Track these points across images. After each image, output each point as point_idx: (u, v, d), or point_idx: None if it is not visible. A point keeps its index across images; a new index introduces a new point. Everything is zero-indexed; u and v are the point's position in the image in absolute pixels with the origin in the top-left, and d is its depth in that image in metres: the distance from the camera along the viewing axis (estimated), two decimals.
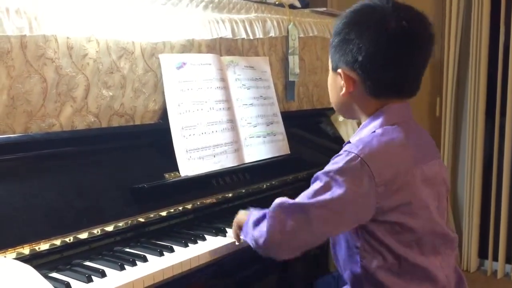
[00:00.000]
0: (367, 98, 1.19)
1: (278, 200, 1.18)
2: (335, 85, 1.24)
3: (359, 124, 1.28)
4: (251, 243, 1.24)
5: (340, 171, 1.10)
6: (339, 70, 1.20)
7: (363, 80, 1.16)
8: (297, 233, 1.13)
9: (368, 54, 1.12)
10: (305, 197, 1.14)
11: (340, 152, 1.15)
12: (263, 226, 1.17)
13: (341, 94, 1.21)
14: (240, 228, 1.34)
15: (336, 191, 1.09)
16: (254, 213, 1.26)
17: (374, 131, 1.17)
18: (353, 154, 1.10)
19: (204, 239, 1.44)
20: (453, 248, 1.24)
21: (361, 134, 1.20)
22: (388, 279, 1.15)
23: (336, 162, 1.12)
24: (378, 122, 1.18)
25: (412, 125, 1.21)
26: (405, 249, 1.14)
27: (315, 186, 1.13)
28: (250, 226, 1.24)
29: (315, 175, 1.16)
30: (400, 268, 1.15)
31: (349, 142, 1.22)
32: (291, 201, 1.15)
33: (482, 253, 3.15)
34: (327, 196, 1.10)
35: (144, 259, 1.28)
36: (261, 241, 1.17)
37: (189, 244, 1.39)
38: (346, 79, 1.19)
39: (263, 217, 1.20)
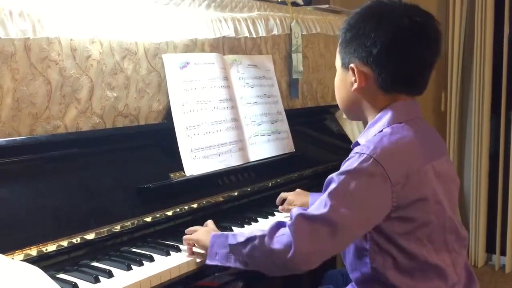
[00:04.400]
0: (377, 93, 1.19)
1: (297, 211, 1.13)
2: (344, 82, 1.24)
3: (365, 124, 1.27)
4: (243, 262, 1.19)
5: (354, 172, 1.09)
6: (352, 65, 1.19)
7: (376, 74, 1.16)
8: (324, 242, 1.09)
9: (383, 46, 1.13)
10: (323, 204, 1.10)
11: (350, 155, 1.14)
12: (284, 239, 1.11)
13: (352, 89, 1.20)
14: (198, 246, 1.31)
15: (353, 193, 1.08)
16: (228, 235, 1.24)
17: (382, 130, 1.16)
18: (365, 155, 1.09)
19: None
20: (464, 246, 1.25)
21: (368, 133, 1.20)
22: (398, 278, 1.14)
23: (349, 165, 1.11)
24: (385, 120, 1.17)
25: (419, 122, 1.21)
26: (416, 247, 1.13)
27: (331, 190, 1.10)
28: (241, 244, 1.18)
29: (328, 178, 1.14)
30: (410, 267, 1.14)
31: (356, 142, 1.22)
32: (311, 212, 1.11)
33: (490, 248, 3.14)
34: (344, 199, 1.08)
35: (151, 259, 1.29)
36: (285, 255, 1.09)
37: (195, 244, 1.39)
38: (359, 73, 1.18)
39: (276, 226, 1.16)
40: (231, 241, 1.22)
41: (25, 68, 1.34)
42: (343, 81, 1.24)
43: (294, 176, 1.93)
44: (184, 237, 1.35)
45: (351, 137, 2.41)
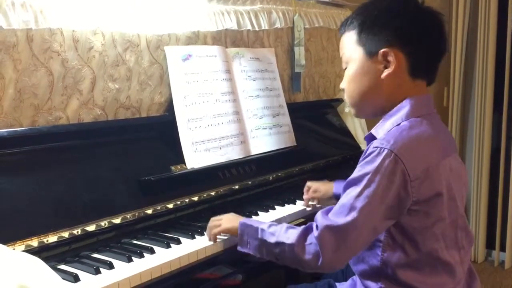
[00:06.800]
0: (405, 79, 1.18)
1: (321, 220, 1.14)
2: (367, 73, 1.20)
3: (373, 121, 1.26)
4: (275, 258, 1.24)
5: (375, 172, 1.09)
6: (383, 50, 1.17)
7: (407, 57, 1.17)
8: (351, 247, 1.13)
9: (414, 29, 1.16)
10: (347, 209, 1.11)
11: (370, 149, 1.13)
12: (312, 249, 1.14)
13: (384, 75, 1.18)
14: (226, 232, 1.36)
15: (377, 193, 1.09)
16: (256, 225, 1.27)
17: (400, 124, 1.16)
18: (386, 150, 1.09)
19: None
20: (471, 244, 1.26)
21: (384, 125, 1.19)
22: (406, 273, 1.15)
23: (370, 162, 1.10)
24: (403, 112, 1.17)
25: (435, 118, 1.22)
26: (431, 242, 1.14)
27: (354, 194, 1.11)
28: (272, 245, 1.22)
29: (350, 180, 1.14)
30: (421, 262, 1.15)
31: (370, 134, 1.21)
32: (336, 221, 1.12)
33: (489, 244, 3.14)
34: (369, 201, 1.09)
35: (152, 251, 1.29)
36: (315, 264, 1.14)
37: (196, 236, 1.40)
38: (394, 56, 1.16)
39: (304, 234, 1.17)
40: (261, 235, 1.25)
41: (27, 59, 1.34)
42: (365, 72, 1.21)
43: (295, 170, 1.93)
44: (214, 231, 1.37)
45: (352, 131, 2.40)
